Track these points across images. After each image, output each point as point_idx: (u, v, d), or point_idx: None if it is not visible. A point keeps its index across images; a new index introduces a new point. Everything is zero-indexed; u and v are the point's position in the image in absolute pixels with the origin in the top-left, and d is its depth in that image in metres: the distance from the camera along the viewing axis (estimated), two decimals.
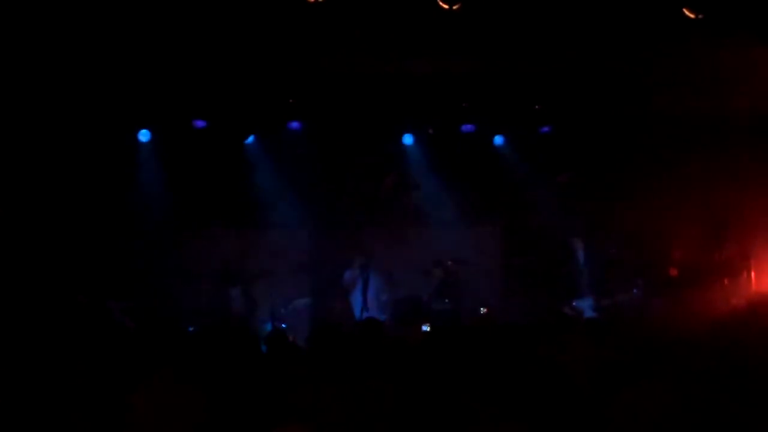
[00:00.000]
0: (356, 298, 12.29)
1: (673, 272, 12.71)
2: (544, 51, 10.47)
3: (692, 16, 9.01)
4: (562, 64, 11.11)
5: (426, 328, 9.01)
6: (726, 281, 12.28)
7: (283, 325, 11.74)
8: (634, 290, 11.88)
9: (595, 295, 11.99)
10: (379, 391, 3.89)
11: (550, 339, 4.86)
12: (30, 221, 11.79)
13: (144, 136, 12.55)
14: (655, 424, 3.90)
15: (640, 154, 12.90)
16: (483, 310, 12.09)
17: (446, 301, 12.44)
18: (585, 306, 11.89)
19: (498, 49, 10.33)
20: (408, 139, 13.47)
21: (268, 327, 11.47)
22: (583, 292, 12.07)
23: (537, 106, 12.83)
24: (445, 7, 8.79)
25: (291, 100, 12.35)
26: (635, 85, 11.54)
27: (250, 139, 13.07)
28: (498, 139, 13.65)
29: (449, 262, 12.77)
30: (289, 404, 3.98)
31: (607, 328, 6.01)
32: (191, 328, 10.56)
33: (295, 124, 12.76)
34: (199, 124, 12.38)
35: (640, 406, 3.92)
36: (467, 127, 13.09)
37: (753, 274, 12.36)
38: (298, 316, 12.18)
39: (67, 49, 9.89)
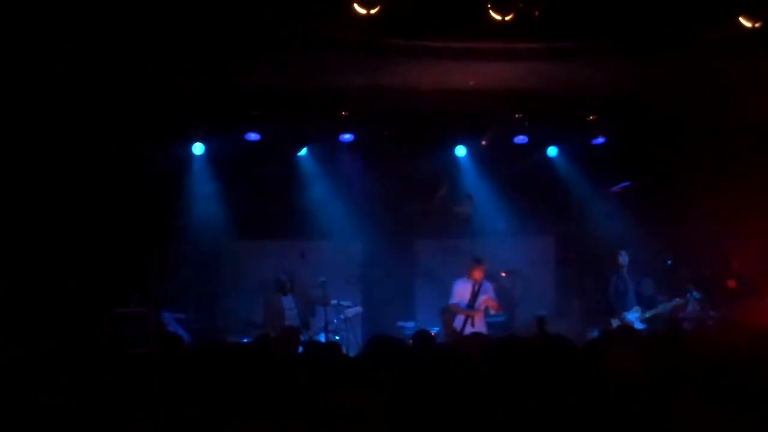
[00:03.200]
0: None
1: (732, 284, 12.51)
2: (599, 60, 10.36)
3: (749, 24, 8.84)
4: (616, 74, 10.98)
5: None
6: None
7: (337, 337, 11.77)
8: (677, 299, 11.70)
9: (642, 307, 11.85)
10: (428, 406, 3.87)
11: (603, 353, 4.79)
12: (87, 232, 12.01)
13: (198, 149, 12.70)
14: None
15: (698, 164, 12.73)
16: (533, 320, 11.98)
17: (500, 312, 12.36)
18: (633, 318, 11.74)
19: (551, 60, 10.26)
20: (461, 151, 13.45)
21: (322, 338, 11.51)
22: (631, 304, 11.92)
23: (591, 117, 12.72)
24: (498, 18, 8.74)
25: (343, 113, 12.42)
26: (691, 94, 11.37)
27: (303, 151, 13.19)
28: (552, 151, 13.57)
29: (502, 273, 12.68)
30: (340, 417, 3.97)
31: (661, 341, 5.92)
32: (246, 339, 10.65)
33: (347, 137, 12.81)
34: (252, 137, 12.49)
35: (694, 422, 3.85)
36: (520, 139, 13.01)
37: None
38: (350, 327, 12.21)
39: (120, 65, 10.04)
